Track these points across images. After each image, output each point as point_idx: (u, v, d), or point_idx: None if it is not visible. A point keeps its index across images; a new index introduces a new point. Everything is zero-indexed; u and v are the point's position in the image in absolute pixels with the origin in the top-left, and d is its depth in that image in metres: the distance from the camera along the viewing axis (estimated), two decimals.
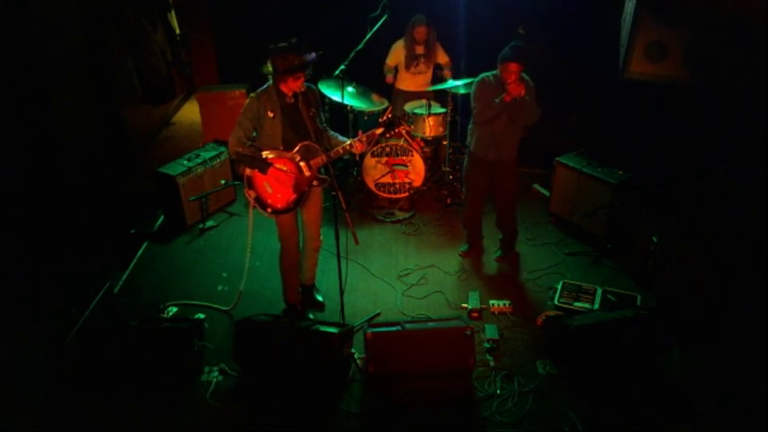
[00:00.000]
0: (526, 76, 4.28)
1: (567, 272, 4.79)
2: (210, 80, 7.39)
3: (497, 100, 4.17)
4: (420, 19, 5.61)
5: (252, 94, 3.74)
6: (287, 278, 4.22)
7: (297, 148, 3.75)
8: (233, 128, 3.75)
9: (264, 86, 3.74)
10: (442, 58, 5.83)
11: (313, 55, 3.65)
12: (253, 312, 4.29)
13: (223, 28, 7.02)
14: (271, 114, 3.68)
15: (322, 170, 3.91)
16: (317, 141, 3.75)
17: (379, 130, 3.76)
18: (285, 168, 3.76)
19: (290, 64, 3.53)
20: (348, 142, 3.76)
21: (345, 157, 3.73)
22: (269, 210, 3.86)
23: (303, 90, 3.69)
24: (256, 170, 3.76)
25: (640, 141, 5.23)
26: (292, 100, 3.72)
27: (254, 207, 3.87)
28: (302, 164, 3.77)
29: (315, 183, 3.86)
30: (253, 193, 3.84)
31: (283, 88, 3.67)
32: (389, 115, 3.79)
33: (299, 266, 4.22)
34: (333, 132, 3.99)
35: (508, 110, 4.22)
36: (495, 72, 4.26)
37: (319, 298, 4.46)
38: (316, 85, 5.42)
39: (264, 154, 3.74)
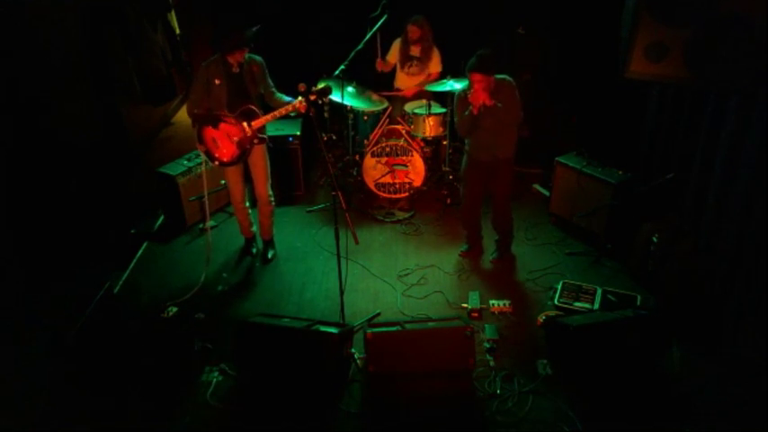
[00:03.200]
0: (506, 77, 4.28)
1: (567, 272, 4.79)
2: None
3: (466, 113, 4.23)
4: (415, 19, 5.58)
5: (202, 64, 4.37)
6: (238, 218, 4.99)
7: (239, 110, 4.34)
8: (190, 92, 4.51)
9: (213, 57, 4.35)
10: (435, 66, 5.76)
11: (252, 30, 4.35)
12: (252, 311, 4.30)
13: (223, 28, 7.00)
14: (217, 81, 4.32)
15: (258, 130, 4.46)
16: (259, 106, 4.39)
17: (312, 97, 4.14)
18: (230, 129, 4.37)
19: (234, 41, 4.20)
20: (290, 105, 4.26)
21: (292, 114, 4.45)
22: (216, 162, 4.51)
23: (247, 61, 4.32)
24: (208, 127, 4.39)
25: (640, 141, 5.22)
26: (237, 70, 4.31)
27: (204, 155, 4.52)
28: (244, 124, 4.36)
29: (255, 141, 4.46)
30: (203, 148, 4.48)
31: (230, 59, 4.26)
32: (320, 87, 4.28)
33: (244, 211, 4.90)
34: (279, 94, 4.51)
35: (483, 119, 4.22)
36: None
37: (269, 255, 5.01)
38: (315, 84, 5.45)
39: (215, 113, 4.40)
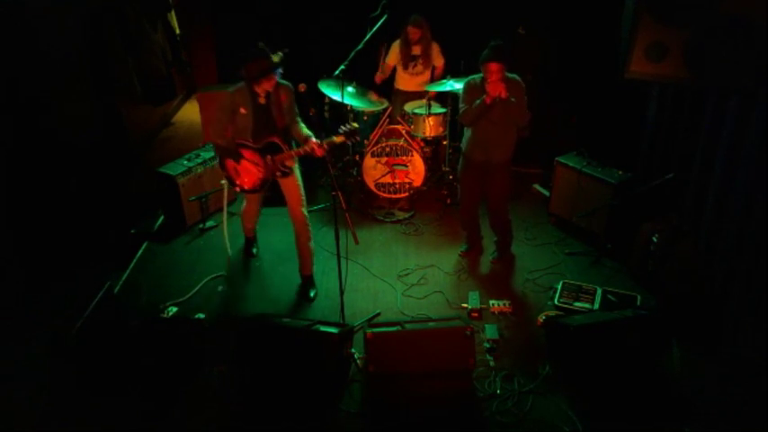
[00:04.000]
0: (516, 77, 4.27)
1: (567, 272, 4.79)
2: (210, 80, 7.39)
3: (478, 101, 4.19)
4: (413, 20, 5.58)
5: (228, 89, 4.08)
6: (243, 220, 4.88)
7: (264, 143, 4.12)
8: (213, 121, 4.22)
9: (239, 84, 4.04)
10: (438, 60, 5.81)
11: (280, 53, 3.99)
12: (254, 312, 4.30)
13: (223, 28, 7.02)
14: (243, 111, 4.06)
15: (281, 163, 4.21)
16: (284, 139, 4.14)
17: (339, 139, 3.92)
18: (254, 160, 4.21)
19: (262, 68, 3.87)
20: (308, 146, 4.01)
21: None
22: (237, 189, 4.40)
23: (275, 88, 4.02)
24: (230, 158, 4.24)
25: (640, 141, 5.23)
26: (264, 101, 4.05)
27: (227, 180, 4.42)
28: (267, 157, 4.17)
29: (278, 174, 4.25)
30: (224, 174, 4.40)
31: (257, 89, 3.99)
32: (351, 126, 3.91)
33: (255, 218, 4.84)
34: (302, 125, 4.22)
35: (493, 111, 4.20)
36: (482, 74, 4.24)
37: (311, 294, 4.55)
38: (315, 84, 5.46)
39: (237, 143, 4.19)
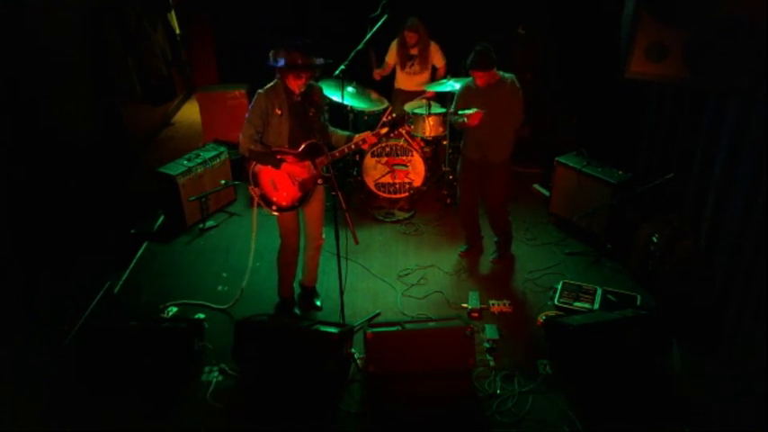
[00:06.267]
0: (512, 77, 4.28)
1: (567, 272, 4.79)
2: (210, 80, 7.40)
3: (460, 120, 4.26)
4: (410, 24, 5.58)
5: (260, 91, 3.73)
6: (284, 273, 4.30)
7: (303, 146, 3.77)
8: (243, 125, 3.74)
9: (272, 83, 3.75)
10: (438, 61, 5.80)
11: (320, 60, 3.73)
12: (253, 312, 4.29)
13: (223, 28, 7.03)
14: (279, 112, 3.71)
15: (324, 168, 3.92)
16: (322, 140, 3.81)
17: (384, 130, 3.79)
18: (293, 168, 3.82)
19: (293, 61, 3.58)
20: (355, 141, 3.81)
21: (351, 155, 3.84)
22: (274, 207, 3.89)
23: (308, 87, 3.75)
24: (266, 167, 3.80)
25: (640, 141, 5.23)
26: (299, 98, 3.74)
27: (259, 204, 3.91)
28: (308, 162, 3.81)
29: (319, 181, 3.90)
30: (258, 191, 3.86)
31: (291, 85, 3.69)
32: (393, 115, 3.81)
33: (296, 263, 4.28)
34: (333, 128, 4.01)
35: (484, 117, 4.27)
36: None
37: (317, 303, 4.46)
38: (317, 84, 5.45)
39: (274, 150, 3.78)
